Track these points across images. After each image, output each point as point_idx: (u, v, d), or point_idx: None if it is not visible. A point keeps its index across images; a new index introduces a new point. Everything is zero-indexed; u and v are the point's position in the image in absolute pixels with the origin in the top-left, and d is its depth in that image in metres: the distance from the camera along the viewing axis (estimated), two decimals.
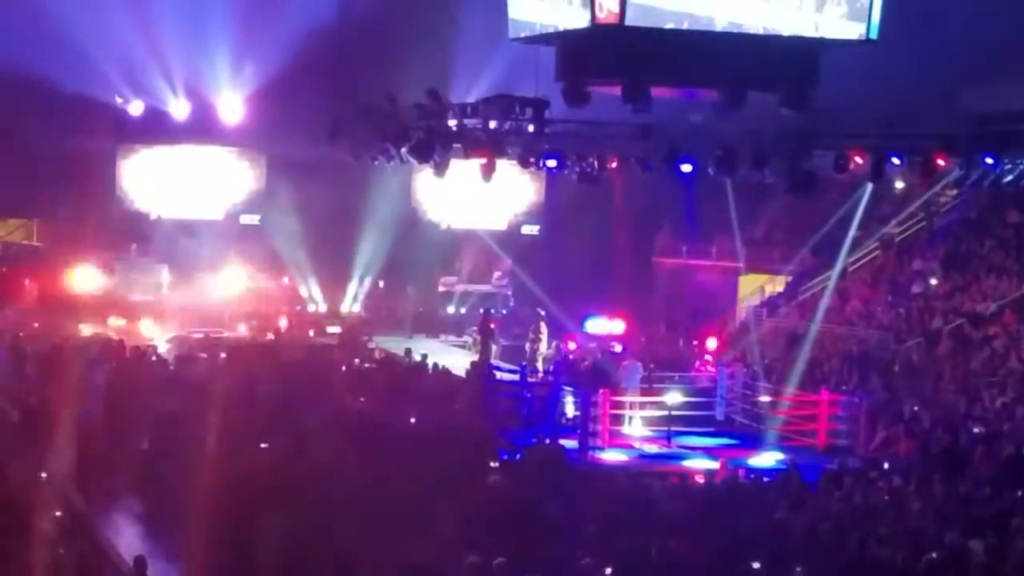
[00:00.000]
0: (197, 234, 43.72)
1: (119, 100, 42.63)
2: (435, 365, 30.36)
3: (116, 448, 22.26)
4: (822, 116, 25.31)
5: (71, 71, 38.59)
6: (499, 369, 30.50)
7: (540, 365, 33.34)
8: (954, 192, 38.30)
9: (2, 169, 40.22)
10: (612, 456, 25.41)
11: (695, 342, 36.29)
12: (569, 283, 39.42)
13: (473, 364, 31.18)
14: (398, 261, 43.26)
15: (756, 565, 16.00)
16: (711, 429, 27.98)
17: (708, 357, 31.98)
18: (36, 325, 36.26)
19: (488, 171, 25.79)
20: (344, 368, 30.62)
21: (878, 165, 26.68)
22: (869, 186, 32.93)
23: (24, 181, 41.35)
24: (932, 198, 38.93)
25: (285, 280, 44.29)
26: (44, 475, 20.68)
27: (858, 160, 26.50)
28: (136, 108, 43.00)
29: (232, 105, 43.59)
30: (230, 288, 42.82)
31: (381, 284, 43.27)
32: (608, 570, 15.59)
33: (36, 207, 44.38)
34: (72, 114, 40.45)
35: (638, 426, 27.61)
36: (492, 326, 34.97)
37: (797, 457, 23.17)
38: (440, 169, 26.25)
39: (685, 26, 20.89)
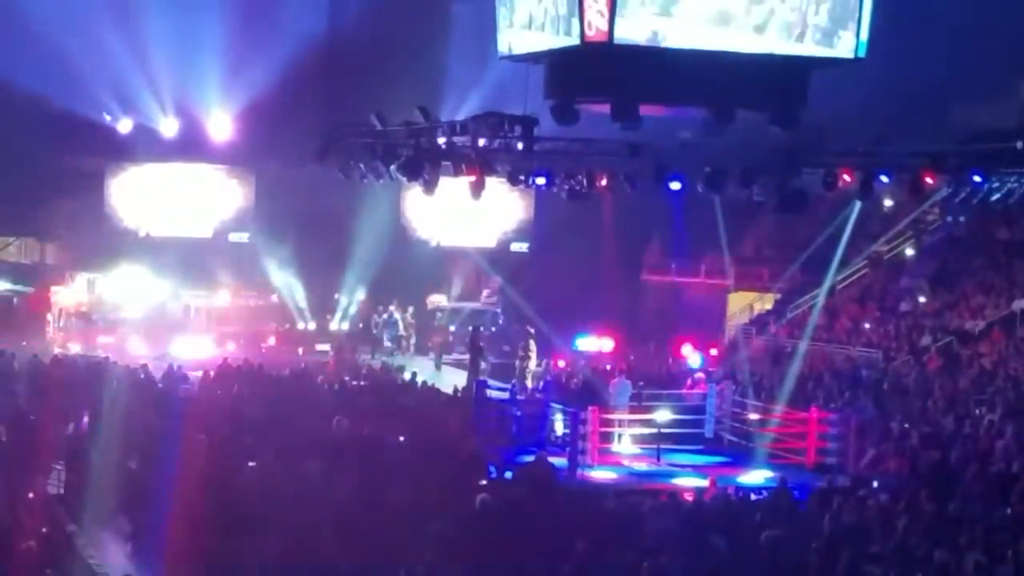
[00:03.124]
0: None
1: (108, 118, 42.61)
2: (423, 383, 30.34)
3: (104, 467, 22.17)
4: (811, 134, 25.34)
5: (60, 89, 38.56)
6: (488, 386, 30.47)
7: (529, 382, 33.30)
8: (942, 210, 38.43)
9: None
10: (601, 474, 25.35)
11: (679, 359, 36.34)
12: (558, 300, 39.45)
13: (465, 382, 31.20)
14: (387, 279, 43.19)
15: None
16: (700, 447, 27.93)
17: (699, 375, 31.90)
18: (25, 343, 36.20)
19: (477, 189, 25.77)
20: (334, 386, 30.60)
21: (867, 183, 26.73)
22: (858, 204, 32.95)
23: (14, 198, 41.30)
24: (920, 216, 39.06)
25: (274, 298, 44.22)
26: (31, 494, 20.64)
27: (847, 178, 26.55)
28: (125, 126, 42.97)
29: (221, 123, 43.60)
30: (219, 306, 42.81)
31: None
32: None
33: (26, 224, 44.31)
34: (61, 132, 40.44)
35: (627, 444, 27.57)
36: (481, 344, 34.96)
37: (786, 475, 23.12)
38: (429, 187, 26.21)
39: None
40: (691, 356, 35.53)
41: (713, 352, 36.42)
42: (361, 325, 43.16)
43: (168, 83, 41.84)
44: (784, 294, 41.77)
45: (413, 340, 42.39)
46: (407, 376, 31.67)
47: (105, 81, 40.63)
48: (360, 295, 43.88)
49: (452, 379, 33.45)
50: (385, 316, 42.28)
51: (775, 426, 27.85)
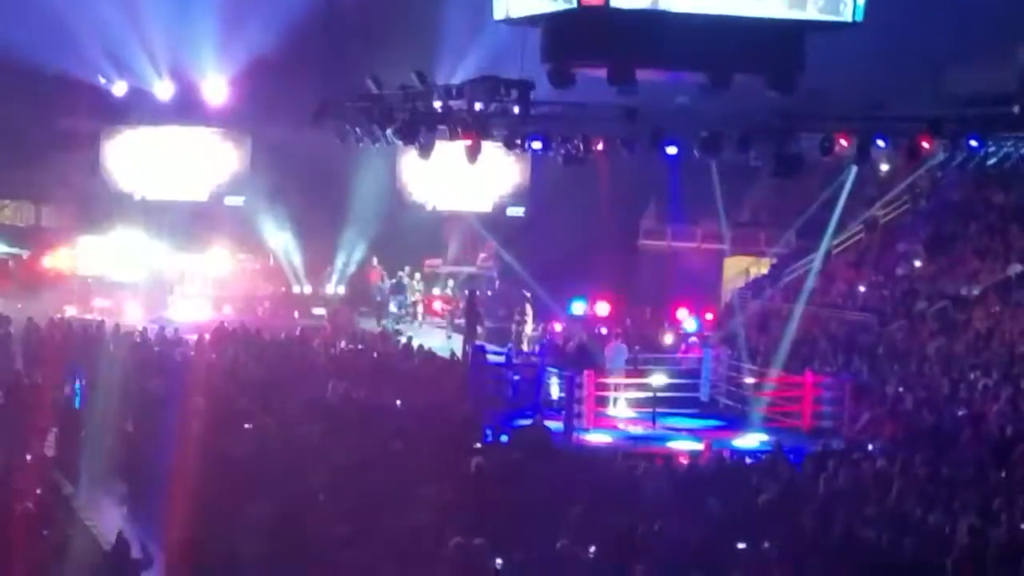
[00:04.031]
0: None
1: (103, 80, 42.44)
2: (420, 347, 30.33)
3: (100, 430, 22.21)
4: (808, 99, 25.28)
5: (54, 51, 38.38)
6: (485, 351, 30.48)
7: (525, 346, 33.32)
8: (939, 174, 38.38)
9: None
10: (597, 437, 25.41)
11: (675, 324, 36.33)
12: (554, 265, 39.39)
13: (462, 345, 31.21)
14: (383, 243, 43.15)
15: (741, 546, 16.07)
16: (696, 410, 28.00)
17: (693, 340, 31.93)
18: (20, 306, 36.17)
19: (473, 153, 25.72)
20: (330, 350, 30.62)
21: (863, 148, 26.67)
22: (854, 168, 32.91)
23: (9, 160, 41.22)
24: (917, 180, 39.01)
25: (270, 262, 44.18)
26: (28, 456, 20.68)
27: (843, 143, 26.48)
28: (120, 89, 42.81)
29: (217, 86, 43.41)
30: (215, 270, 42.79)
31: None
32: (592, 549, 15.65)
33: (21, 186, 44.23)
34: (56, 94, 40.33)
35: (623, 407, 27.62)
36: (478, 308, 34.94)
37: (782, 438, 23.21)
38: (425, 151, 26.17)
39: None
40: (687, 321, 35.52)
41: (709, 317, 36.42)
42: (373, 289, 42.89)
43: (163, 45, 41.61)
44: (780, 258, 41.77)
45: (420, 307, 42.28)
46: (404, 340, 31.69)
47: (100, 43, 40.41)
48: (357, 257, 43.79)
49: (460, 346, 33.34)
50: (393, 282, 42.20)
51: (770, 390, 27.91)
